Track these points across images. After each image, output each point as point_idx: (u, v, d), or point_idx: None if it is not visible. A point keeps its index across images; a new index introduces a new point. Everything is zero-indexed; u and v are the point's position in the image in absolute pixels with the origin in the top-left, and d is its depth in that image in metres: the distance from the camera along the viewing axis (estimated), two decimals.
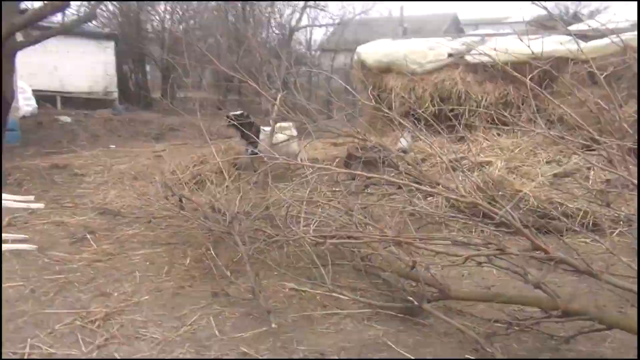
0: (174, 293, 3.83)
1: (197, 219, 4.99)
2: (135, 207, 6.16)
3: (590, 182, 6.76)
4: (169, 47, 20.33)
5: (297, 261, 4.33)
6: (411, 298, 3.21)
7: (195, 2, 20.27)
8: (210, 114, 12.90)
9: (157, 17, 21.22)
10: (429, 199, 5.74)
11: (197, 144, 10.88)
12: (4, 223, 5.29)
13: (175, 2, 20.28)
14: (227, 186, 5.49)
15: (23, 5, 19.29)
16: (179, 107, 14.50)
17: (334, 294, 3.58)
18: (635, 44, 7.79)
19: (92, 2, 15.62)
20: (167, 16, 21.05)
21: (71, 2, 10.38)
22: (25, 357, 2.93)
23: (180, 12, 20.97)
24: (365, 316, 3.42)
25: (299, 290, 3.81)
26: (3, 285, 3.84)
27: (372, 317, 3.43)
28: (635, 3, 9.00)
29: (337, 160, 8.15)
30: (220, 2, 19.52)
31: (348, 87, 6.13)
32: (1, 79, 7.14)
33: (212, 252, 4.35)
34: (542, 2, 3.52)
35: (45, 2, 8.39)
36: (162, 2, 20.34)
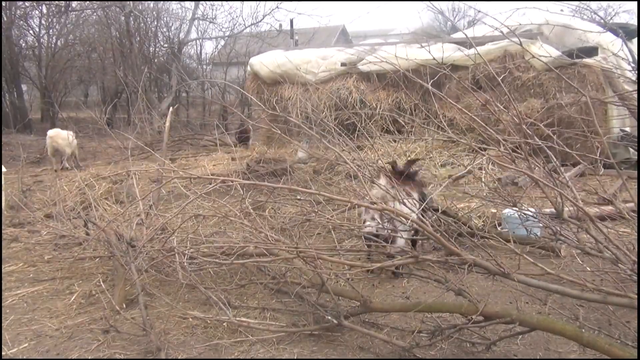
0: (59, 337, 3.38)
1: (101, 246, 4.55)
2: (10, 239, 5.50)
3: (482, 181, 7.07)
4: (47, 64, 18.84)
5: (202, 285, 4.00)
6: (329, 317, 3.03)
7: (74, 16, 18.98)
8: (98, 134, 12.09)
9: (31, 32, 19.64)
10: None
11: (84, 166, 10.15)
12: None
13: (51, 16, 18.89)
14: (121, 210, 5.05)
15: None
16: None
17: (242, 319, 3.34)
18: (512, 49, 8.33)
19: None
20: (43, 31, 19.52)
21: None
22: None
23: (58, 27, 19.54)
24: (277, 339, 3.20)
25: (203, 319, 3.51)
26: None
27: (284, 339, 3.22)
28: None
29: (235, 174, 7.84)
30: (101, 15, 18.37)
31: (243, 99, 5.91)
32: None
33: (104, 284, 3.93)
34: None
35: None
36: (35, 16, 18.85)
